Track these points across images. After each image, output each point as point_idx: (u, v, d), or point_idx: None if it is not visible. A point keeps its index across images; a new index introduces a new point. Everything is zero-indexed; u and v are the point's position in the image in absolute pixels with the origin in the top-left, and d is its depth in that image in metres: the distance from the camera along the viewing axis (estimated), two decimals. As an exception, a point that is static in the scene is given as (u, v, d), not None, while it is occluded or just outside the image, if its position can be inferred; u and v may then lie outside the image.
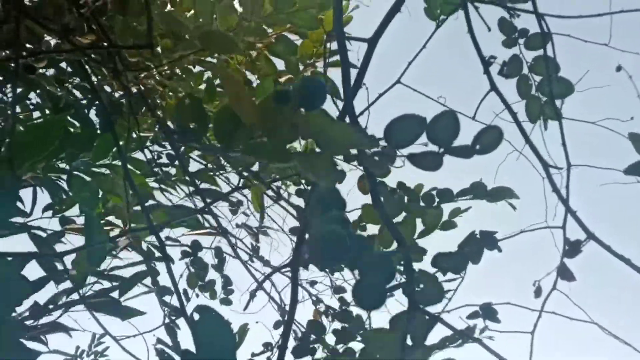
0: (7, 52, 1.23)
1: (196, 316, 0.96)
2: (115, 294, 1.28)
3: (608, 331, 1.33)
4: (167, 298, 1.38)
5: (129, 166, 1.45)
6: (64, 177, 1.39)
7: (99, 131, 1.41)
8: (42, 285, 1.18)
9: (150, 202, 1.40)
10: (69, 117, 1.43)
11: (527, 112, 1.28)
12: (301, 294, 1.75)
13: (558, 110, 1.27)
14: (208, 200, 1.29)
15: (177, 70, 1.33)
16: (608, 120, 1.37)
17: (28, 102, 1.49)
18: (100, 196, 1.44)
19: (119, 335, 1.22)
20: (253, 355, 1.58)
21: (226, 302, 1.74)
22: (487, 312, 1.40)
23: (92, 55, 1.21)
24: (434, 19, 1.22)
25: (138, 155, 1.38)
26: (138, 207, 1.24)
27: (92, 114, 1.49)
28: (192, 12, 1.52)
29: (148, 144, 1.47)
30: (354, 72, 1.14)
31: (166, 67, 1.20)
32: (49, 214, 1.39)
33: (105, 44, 1.25)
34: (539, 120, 1.29)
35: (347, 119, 1.11)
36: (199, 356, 0.63)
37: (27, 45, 1.24)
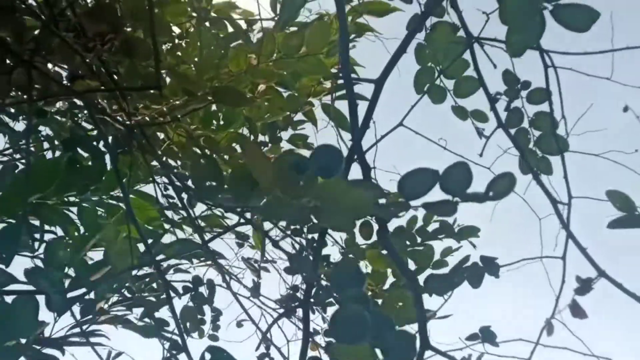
0: (19, 93, 1.26)
1: (207, 356, 0.98)
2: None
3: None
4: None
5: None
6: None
7: (108, 164, 1.44)
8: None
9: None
10: (79, 150, 1.45)
11: (519, 165, 1.28)
12: (294, 329, 1.76)
13: (560, 144, 1.27)
14: (209, 236, 1.31)
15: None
16: (612, 152, 1.38)
17: (40, 133, 1.52)
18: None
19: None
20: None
21: (213, 338, 1.75)
22: (487, 335, 1.41)
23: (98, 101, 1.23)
24: (420, 92, 1.23)
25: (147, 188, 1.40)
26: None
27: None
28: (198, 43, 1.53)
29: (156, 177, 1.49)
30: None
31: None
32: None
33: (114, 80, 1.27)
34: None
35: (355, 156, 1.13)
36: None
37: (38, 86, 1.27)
